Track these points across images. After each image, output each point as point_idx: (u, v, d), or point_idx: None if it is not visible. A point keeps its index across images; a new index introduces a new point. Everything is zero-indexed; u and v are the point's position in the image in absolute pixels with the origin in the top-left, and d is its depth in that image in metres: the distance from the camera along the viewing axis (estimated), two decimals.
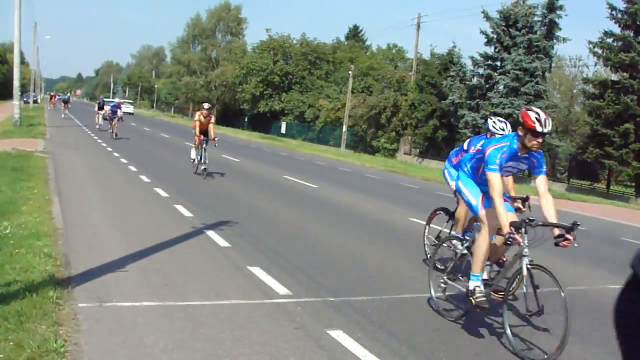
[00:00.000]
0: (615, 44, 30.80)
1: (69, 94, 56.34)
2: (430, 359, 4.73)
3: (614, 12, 30.67)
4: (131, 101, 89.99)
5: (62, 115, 43.62)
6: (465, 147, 7.09)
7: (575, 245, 4.99)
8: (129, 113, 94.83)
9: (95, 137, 27.31)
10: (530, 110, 5.09)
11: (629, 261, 1.75)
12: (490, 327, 5.63)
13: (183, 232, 8.48)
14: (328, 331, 5.03)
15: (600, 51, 31.24)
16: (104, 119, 32.19)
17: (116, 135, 27.32)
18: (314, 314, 5.48)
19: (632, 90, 29.22)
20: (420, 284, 6.99)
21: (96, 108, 34.51)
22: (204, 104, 16.49)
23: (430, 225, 8.06)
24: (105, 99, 40.80)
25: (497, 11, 36.16)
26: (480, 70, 37.28)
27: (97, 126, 32.96)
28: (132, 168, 16.10)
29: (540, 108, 5.54)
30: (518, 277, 5.19)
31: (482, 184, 5.53)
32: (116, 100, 29.82)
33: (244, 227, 9.26)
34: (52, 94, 76.90)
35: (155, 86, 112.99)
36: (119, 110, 27.81)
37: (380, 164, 32.21)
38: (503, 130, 6.67)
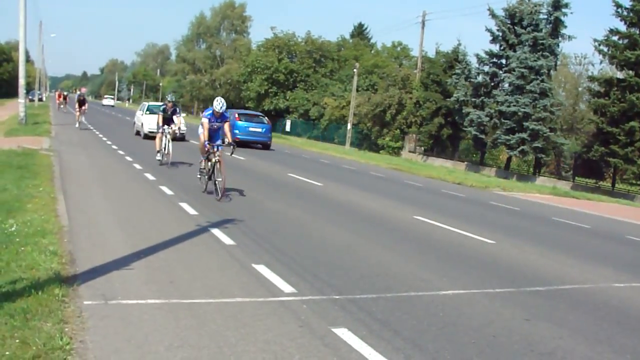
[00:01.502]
0: (620, 41, 30.66)
1: (79, 92, 35.87)
2: (434, 357, 4.72)
3: (619, 10, 30.52)
4: (112, 96, 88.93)
5: (77, 125, 30.31)
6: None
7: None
8: (110, 106, 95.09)
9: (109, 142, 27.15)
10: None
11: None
12: (494, 326, 5.62)
13: (188, 230, 8.49)
14: (333, 329, 5.03)
15: (605, 49, 31.10)
16: (177, 139, 19.12)
17: (223, 192, 11.65)
18: (319, 312, 5.48)
19: (638, 88, 29.08)
20: (426, 282, 6.99)
21: (158, 121, 17.32)
22: None
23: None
24: (175, 103, 18.88)
25: (502, 9, 36.08)
26: (486, 68, 37.20)
27: (159, 158, 16.67)
28: (137, 166, 16.11)
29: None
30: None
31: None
32: (222, 108, 12.32)
33: (249, 225, 9.27)
34: (65, 94, 59.43)
35: (160, 84, 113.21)
36: (225, 126, 12.40)
37: (385, 162, 32.18)
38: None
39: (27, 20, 28.18)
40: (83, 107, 30.80)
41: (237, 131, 27.44)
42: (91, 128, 31.35)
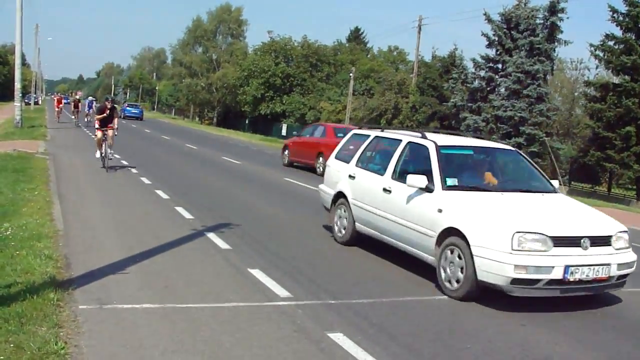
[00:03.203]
0: (616, 46, 30.74)
1: (89, 97, 28.59)
2: None
3: (615, 15, 30.62)
4: (94, 98, 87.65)
5: (97, 154, 15.71)
6: None
7: None
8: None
9: None
10: None
11: None
12: (490, 331, 5.62)
13: (183, 234, 8.47)
14: (328, 334, 5.02)
15: (601, 54, 31.18)
16: None
17: None
18: (315, 316, 5.47)
19: (634, 93, 29.16)
20: (422, 286, 6.98)
21: None
22: None
23: None
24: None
25: (498, 14, 36.09)
26: (482, 73, 37.22)
27: None
28: (134, 170, 16.07)
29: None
30: None
31: None
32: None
33: (245, 230, 9.25)
34: (78, 97, 40.71)
35: (157, 88, 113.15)
36: None
37: None
38: None
39: (23, 23, 28.18)
40: (110, 126, 15.56)
41: (125, 112, 57.20)
42: (131, 169, 16.14)
